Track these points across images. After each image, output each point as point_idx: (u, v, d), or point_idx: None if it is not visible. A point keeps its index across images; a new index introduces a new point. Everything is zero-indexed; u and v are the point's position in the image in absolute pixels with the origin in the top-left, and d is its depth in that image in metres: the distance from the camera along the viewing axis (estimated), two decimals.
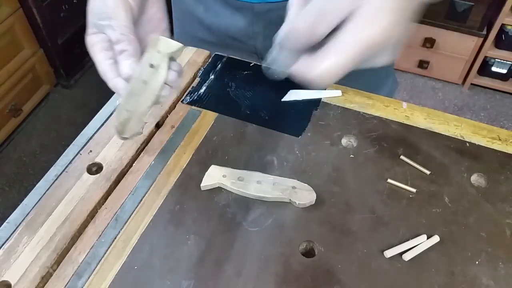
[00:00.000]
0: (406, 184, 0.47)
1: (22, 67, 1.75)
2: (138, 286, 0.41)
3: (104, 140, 0.52)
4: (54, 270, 0.42)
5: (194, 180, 0.48)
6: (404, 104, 0.55)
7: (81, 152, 0.51)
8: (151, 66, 0.43)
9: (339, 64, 0.36)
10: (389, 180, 0.47)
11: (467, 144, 0.51)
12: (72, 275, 0.42)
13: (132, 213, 0.46)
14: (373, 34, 0.36)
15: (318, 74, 0.37)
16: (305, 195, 0.46)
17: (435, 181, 0.48)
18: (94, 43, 0.48)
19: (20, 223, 0.45)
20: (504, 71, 1.95)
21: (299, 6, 0.39)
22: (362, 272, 0.41)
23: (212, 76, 0.60)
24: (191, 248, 0.43)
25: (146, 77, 0.43)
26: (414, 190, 0.47)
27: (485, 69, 1.99)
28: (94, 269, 0.42)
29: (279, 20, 0.64)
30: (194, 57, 0.62)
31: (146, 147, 0.52)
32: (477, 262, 0.42)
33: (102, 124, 0.54)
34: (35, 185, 0.48)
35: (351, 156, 0.50)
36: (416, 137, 0.52)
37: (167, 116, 0.55)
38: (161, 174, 0.49)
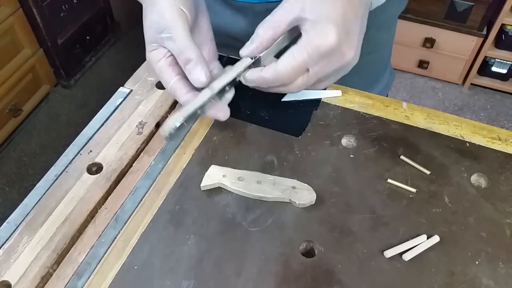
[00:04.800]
0: (406, 184, 0.47)
1: (22, 67, 1.75)
2: (138, 286, 0.41)
3: (104, 140, 0.52)
4: (54, 270, 0.42)
5: (194, 180, 0.48)
6: (404, 104, 0.55)
7: (81, 152, 0.51)
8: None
9: (289, 69, 0.45)
10: (389, 180, 0.47)
11: (467, 144, 0.51)
12: (72, 275, 0.42)
13: (132, 213, 0.46)
14: (318, 45, 0.43)
15: (271, 77, 0.46)
16: (305, 195, 0.46)
17: (435, 181, 0.48)
18: (158, 59, 0.48)
19: (20, 223, 0.45)
20: (504, 71, 1.95)
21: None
22: (362, 272, 0.41)
23: None
24: (191, 248, 0.43)
25: (215, 86, 0.47)
26: (414, 190, 0.47)
27: (485, 69, 1.99)
28: (94, 269, 0.42)
29: None
30: None
31: (146, 147, 0.52)
32: (477, 262, 0.42)
33: (102, 124, 0.54)
34: (35, 185, 0.48)
35: (351, 156, 0.50)
36: (416, 137, 0.52)
37: (167, 116, 0.55)
38: (161, 174, 0.49)
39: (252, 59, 0.48)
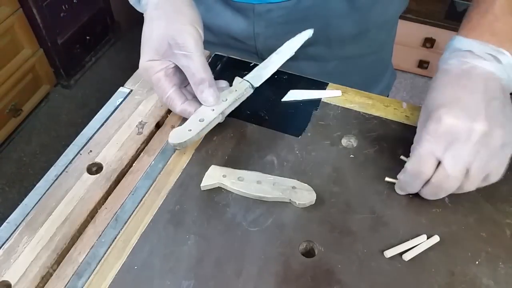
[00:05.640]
0: None
1: (22, 67, 1.74)
2: (138, 286, 0.41)
3: (104, 140, 0.52)
4: (54, 270, 0.42)
5: (194, 180, 0.48)
6: (404, 104, 0.55)
7: (81, 152, 0.51)
8: (225, 100, 0.51)
9: (418, 159, 0.43)
10: (387, 179, 0.47)
11: None
12: (72, 275, 0.42)
13: (132, 213, 0.46)
14: (433, 127, 0.42)
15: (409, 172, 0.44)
16: (305, 195, 0.46)
17: None
18: (158, 70, 0.50)
19: (20, 223, 0.45)
20: None
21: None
22: (362, 272, 0.41)
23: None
24: (191, 248, 0.43)
25: (220, 108, 0.50)
26: None
27: None
28: (94, 269, 0.42)
29: (280, 20, 0.64)
30: None
31: (146, 147, 0.52)
32: (477, 262, 0.42)
33: (102, 124, 0.54)
34: (35, 185, 0.48)
35: (351, 156, 0.50)
36: None
37: (167, 116, 0.55)
38: (161, 174, 0.49)
39: (252, 89, 0.53)
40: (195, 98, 0.51)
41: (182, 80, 0.52)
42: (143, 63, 0.50)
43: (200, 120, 0.49)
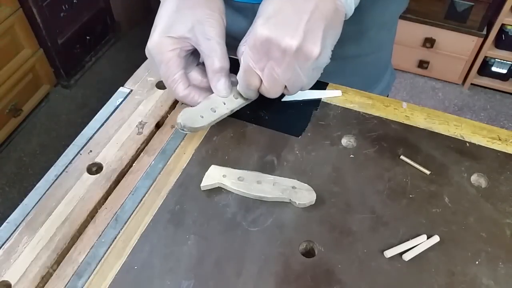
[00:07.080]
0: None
1: (22, 67, 1.75)
2: (138, 286, 0.41)
3: (104, 140, 0.52)
4: (54, 270, 0.42)
5: (194, 180, 0.48)
6: (404, 104, 0.55)
7: (81, 152, 0.51)
8: (236, 98, 0.51)
9: (241, 72, 0.47)
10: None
11: (467, 144, 0.51)
12: (72, 275, 0.42)
13: (132, 213, 0.46)
14: (251, 41, 0.44)
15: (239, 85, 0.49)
16: (305, 195, 0.46)
17: (435, 181, 0.48)
18: (173, 48, 0.48)
19: (20, 223, 0.45)
20: (504, 71, 1.95)
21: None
22: (362, 272, 0.41)
23: None
24: (191, 248, 0.43)
25: (232, 105, 0.51)
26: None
27: (485, 69, 1.99)
28: (94, 269, 0.42)
29: None
30: None
31: (146, 147, 0.52)
32: (477, 262, 0.42)
33: (102, 124, 0.54)
34: (35, 185, 0.48)
35: (351, 156, 0.50)
36: (416, 137, 0.52)
37: (167, 116, 0.55)
38: (161, 174, 0.49)
39: None
40: (197, 85, 0.51)
41: (188, 65, 0.51)
42: (157, 37, 0.48)
43: (212, 110, 0.49)
